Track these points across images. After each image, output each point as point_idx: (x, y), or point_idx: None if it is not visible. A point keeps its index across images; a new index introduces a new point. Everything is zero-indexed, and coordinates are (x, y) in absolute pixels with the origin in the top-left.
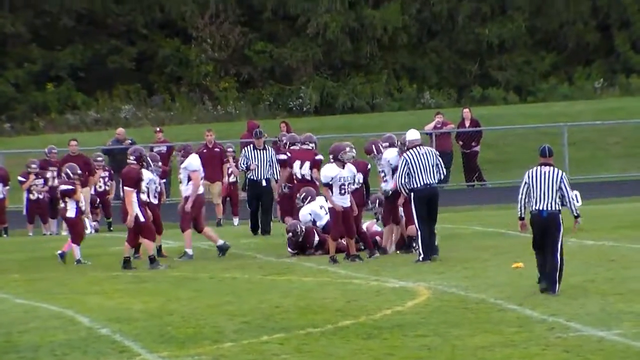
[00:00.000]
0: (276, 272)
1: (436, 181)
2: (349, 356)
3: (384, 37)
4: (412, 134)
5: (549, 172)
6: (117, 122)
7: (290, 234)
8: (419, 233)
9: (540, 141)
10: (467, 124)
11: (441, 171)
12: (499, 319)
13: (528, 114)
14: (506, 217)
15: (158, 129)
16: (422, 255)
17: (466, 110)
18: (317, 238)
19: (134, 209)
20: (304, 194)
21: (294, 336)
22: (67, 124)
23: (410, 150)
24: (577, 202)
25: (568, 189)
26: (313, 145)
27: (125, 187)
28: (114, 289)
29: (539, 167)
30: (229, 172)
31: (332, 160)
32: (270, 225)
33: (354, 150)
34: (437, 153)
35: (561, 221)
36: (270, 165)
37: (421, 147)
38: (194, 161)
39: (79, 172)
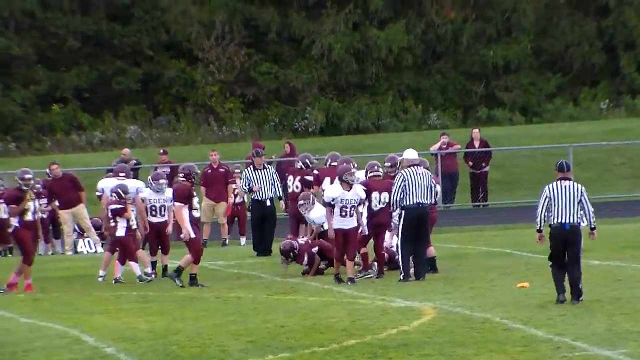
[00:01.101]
0: (282, 292)
1: (428, 202)
2: None
3: (389, 58)
4: (411, 154)
5: (569, 186)
6: (122, 142)
7: (284, 256)
8: (400, 252)
9: (546, 162)
10: (477, 144)
11: (434, 194)
12: (504, 338)
13: (534, 135)
14: (512, 237)
15: (162, 151)
16: (402, 275)
17: (476, 130)
18: (313, 250)
19: (187, 225)
20: (302, 201)
21: (300, 356)
22: (72, 144)
23: (408, 169)
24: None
25: (588, 202)
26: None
27: (176, 203)
28: (118, 308)
29: (559, 182)
30: (236, 192)
31: (338, 181)
32: (272, 246)
33: (380, 169)
34: (433, 176)
35: (582, 233)
36: (272, 185)
37: (418, 167)
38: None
39: (130, 192)
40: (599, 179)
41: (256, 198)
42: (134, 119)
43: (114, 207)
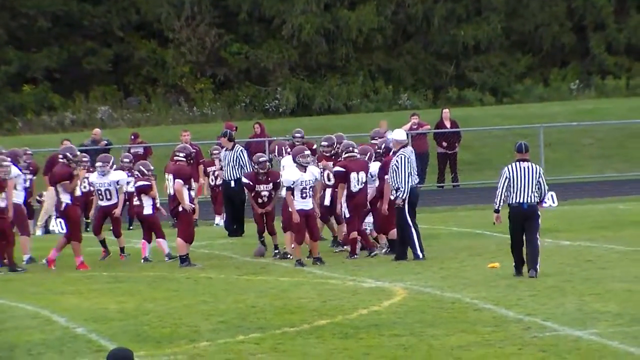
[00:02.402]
0: (252, 272)
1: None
2: (325, 356)
3: (359, 39)
4: (399, 134)
5: (528, 167)
6: (93, 123)
7: (271, 155)
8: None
9: (516, 142)
10: (448, 124)
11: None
12: (475, 318)
13: (504, 115)
14: (482, 218)
15: (133, 137)
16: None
17: (446, 110)
18: (280, 181)
19: (187, 201)
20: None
21: (270, 336)
22: (43, 125)
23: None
24: (554, 202)
25: (545, 183)
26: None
27: (176, 180)
28: (89, 289)
29: (518, 163)
30: (216, 174)
31: (293, 163)
32: (243, 227)
33: (356, 149)
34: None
35: (539, 212)
36: (239, 166)
37: (406, 147)
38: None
39: (152, 168)
40: (568, 159)
41: (224, 178)
42: (104, 100)
43: (140, 183)
